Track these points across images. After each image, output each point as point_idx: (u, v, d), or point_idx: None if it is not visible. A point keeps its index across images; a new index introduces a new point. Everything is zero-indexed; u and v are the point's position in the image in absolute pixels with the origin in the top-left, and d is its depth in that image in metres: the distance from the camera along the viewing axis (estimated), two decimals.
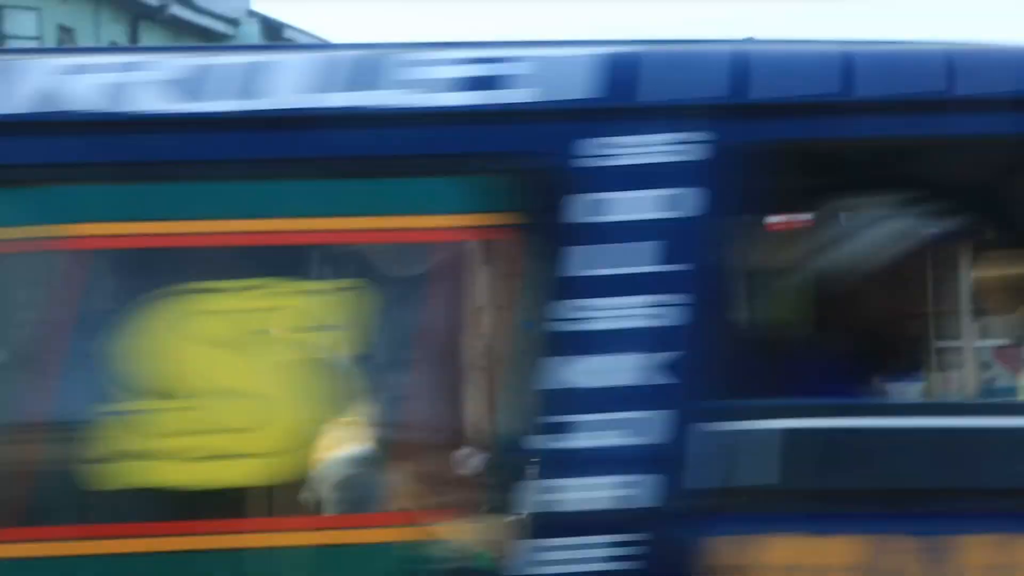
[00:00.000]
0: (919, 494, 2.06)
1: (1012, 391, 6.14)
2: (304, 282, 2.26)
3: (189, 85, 2.15)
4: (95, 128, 2.13)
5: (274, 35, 27.63)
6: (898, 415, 2.22)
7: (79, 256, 2.17)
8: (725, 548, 2.01)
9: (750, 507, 2.05)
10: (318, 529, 2.20)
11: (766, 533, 2.02)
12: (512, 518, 2.05)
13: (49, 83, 2.15)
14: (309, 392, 2.20)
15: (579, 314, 2.10)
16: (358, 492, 2.26)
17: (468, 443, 2.27)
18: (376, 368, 2.32)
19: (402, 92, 2.16)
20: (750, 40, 2.65)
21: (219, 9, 26.82)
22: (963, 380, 4.91)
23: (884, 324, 2.43)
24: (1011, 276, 3.19)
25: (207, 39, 27.17)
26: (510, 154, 2.15)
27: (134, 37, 23.86)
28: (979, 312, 4.11)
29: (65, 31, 22.64)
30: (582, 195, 2.12)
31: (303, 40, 28.82)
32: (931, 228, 2.48)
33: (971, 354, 5.03)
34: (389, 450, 2.32)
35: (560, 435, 2.07)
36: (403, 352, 2.36)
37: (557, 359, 2.09)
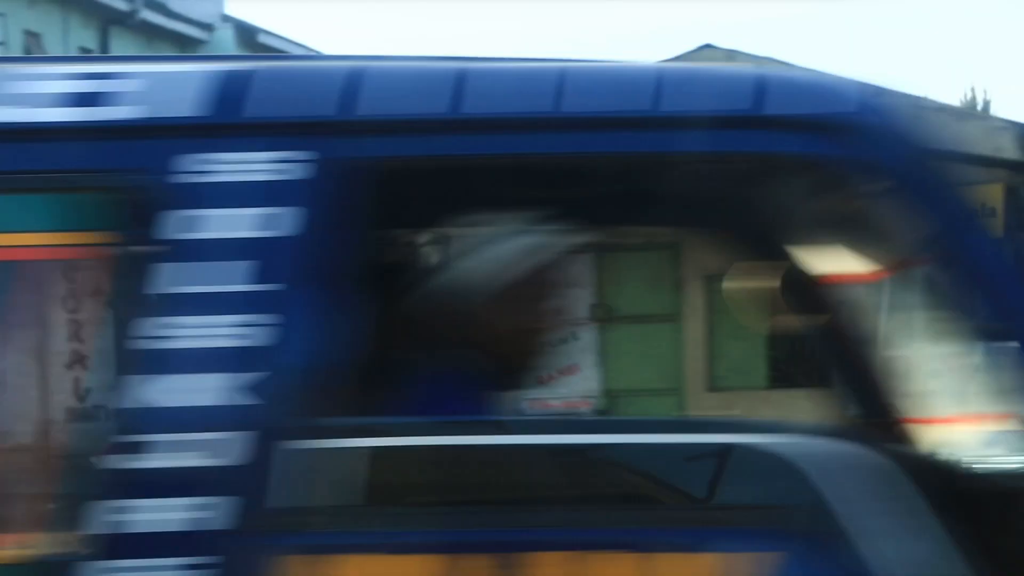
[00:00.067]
0: (495, 511, 2.06)
1: None
2: None
3: None
4: None
5: (249, 40, 27.66)
6: (473, 433, 2.21)
7: None
8: (299, 567, 2.01)
9: (328, 526, 2.05)
10: None
11: (342, 552, 2.02)
12: (81, 537, 2.04)
13: None
14: None
15: (163, 332, 2.08)
16: None
17: (41, 460, 2.25)
18: None
19: (2, 107, 2.15)
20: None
21: (192, 14, 26.82)
22: None
23: (507, 340, 2.42)
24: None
25: (181, 45, 27.22)
26: (109, 171, 2.14)
27: (104, 43, 23.88)
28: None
29: (32, 36, 22.66)
30: (177, 212, 2.11)
31: (279, 45, 28.91)
32: (555, 244, 2.47)
33: None
34: None
35: (136, 454, 2.05)
36: None
37: (138, 377, 2.07)
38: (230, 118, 2.15)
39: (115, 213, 2.15)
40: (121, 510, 2.03)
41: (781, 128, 2.08)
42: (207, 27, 27.25)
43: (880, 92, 2.18)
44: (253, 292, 2.09)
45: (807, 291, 2.66)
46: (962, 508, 2.02)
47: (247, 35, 27.54)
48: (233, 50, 27.49)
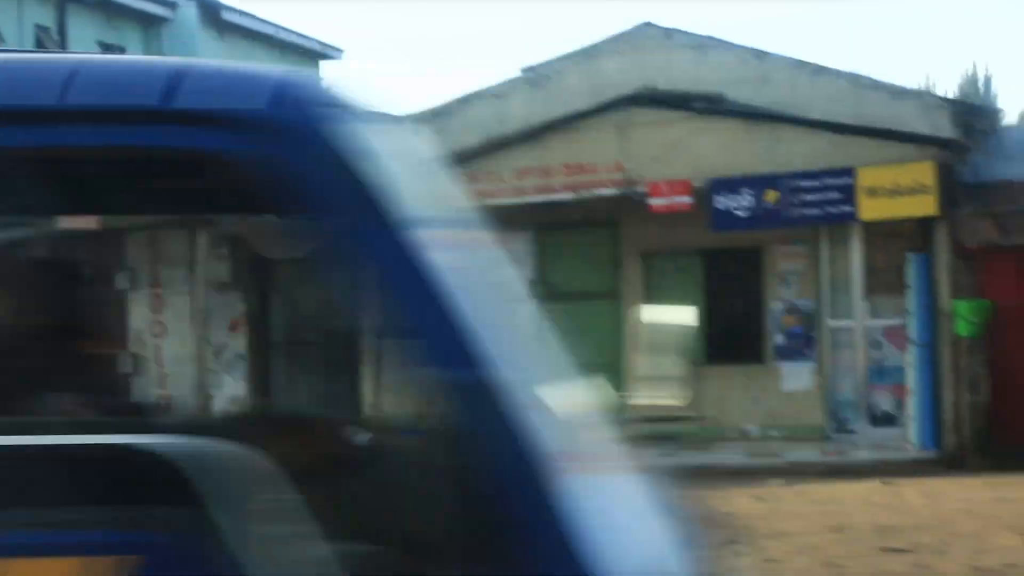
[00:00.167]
0: None
1: None
2: None
3: None
4: None
5: (213, 17, 27.56)
6: None
7: None
8: None
9: None
10: None
11: None
12: None
13: None
14: None
15: None
16: None
17: None
18: None
19: None
20: None
21: None
22: None
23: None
24: None
25: (144, 23, 27.17)
26: None
27: (61, 22, 23.77)
28: None
29: None
30: None
31: (245, 23, 28.82)
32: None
33: None
34: None
35: None
36: None
37: None
38: None
39: None
40: None
41: (187, 122, 2.02)
42: (170, 5, 27.15)
43: (307, 87, 2.11)
44: None
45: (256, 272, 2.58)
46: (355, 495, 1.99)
47: (211, 13, 27.42)
48: (197, 29, 27.46)
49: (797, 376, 16.59)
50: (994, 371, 14.91)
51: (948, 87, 52.85)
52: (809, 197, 15.40)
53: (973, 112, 17.60)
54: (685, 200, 15.69)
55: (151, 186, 2.49)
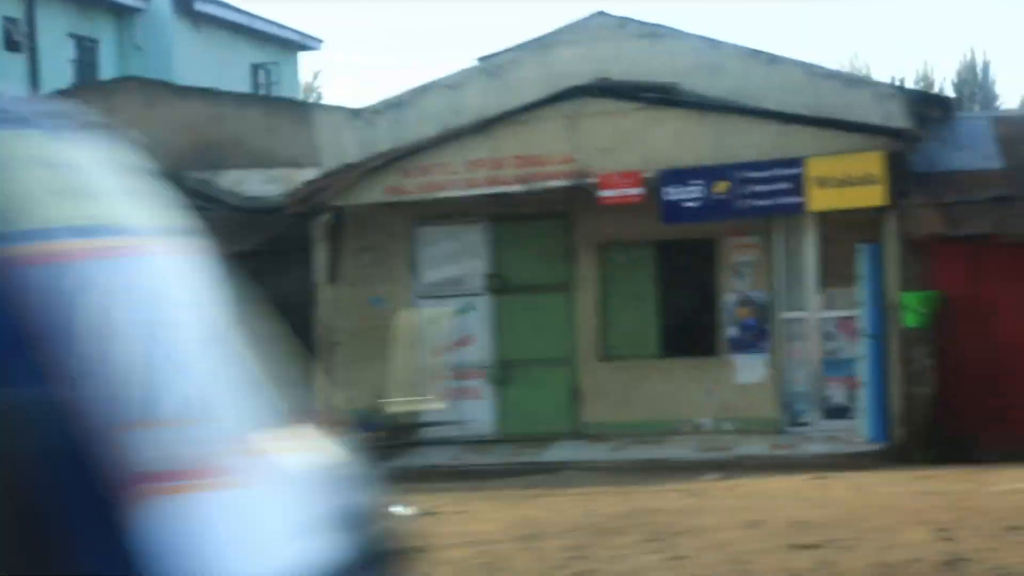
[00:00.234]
0: None
1: None
2: None
3: None
4: None
5: (186, 8, 27.49)
6: None
7: None
8: None
9: None
10: None
11: None
12: None
13: None
14: None
15: None
16: None
17: None
18: None
19: None
20: None
21: None
22: None
23: None
24: None
25: (117, 14, 27.12)
26: None
27: (30, 14, 23.72)
28: None
29: None
30: None
31: (217, 13, 28.74)
32: None
33: None
34: None
35: None
36: None
37: None
38: None
39: None
40: None
41: None
42: None
43: None
44: None
45: None
46: None
47: (184, 3, 27.34)
48: (170, 19, 27.39)
49: (751, 369, 16.51)
50: (943, 362, 14.83)
51: (946, 74, 52.90)
52: (759, 188, 15.31)
53: (927, 101, 17.50)
54: (635, 192, 15.61)
55: None
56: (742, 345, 16.59)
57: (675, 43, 16.73)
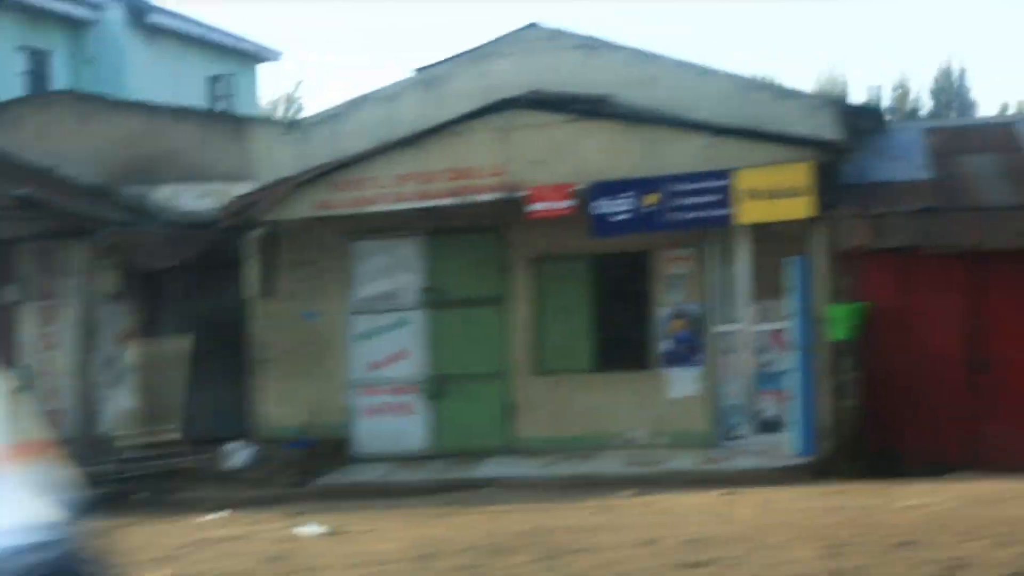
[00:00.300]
0: None
1: None
2: None
3: None
4: None
5: (139, 19, 27.36)
6: None
7: None
8: None
9: None
10: None
11: None
12: None
13: None
14: None
15: None
16: None
17: None
18: None
19: None
20: None
21: None
22: None
23: None
24: None
25: (69, 27, 26.97)
26: None
27: None
28: None
29: None
30: None
31: (172, 25, 28.61)
32: None
33: None
34: None
35: None
36: None
37: None
38: None
39: None
40: None
41: None
42: (96, 7, 26.96)
43: None
44: None
45: None
46: None
47: (137, 15, 27.22)
48: (123, 31, 27.26)
49: (684, 382, 16.45)
50: (871, 375, 14.79)
51: (924, 82, 53.01)
52: (689, 200, 15.26)
53: (859, 112, 17.48)
54: (565, 205, 15.55)
55: None
56: (676, 358, 16.53)
57: (609, 55, 16.69)
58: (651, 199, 15.34)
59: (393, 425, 17.17)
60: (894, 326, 14.81)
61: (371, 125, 16.74)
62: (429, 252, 17.23)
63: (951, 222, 14.73)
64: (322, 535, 10.75)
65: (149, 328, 17.81)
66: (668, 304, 16.56)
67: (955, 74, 49.06)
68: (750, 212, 15.07)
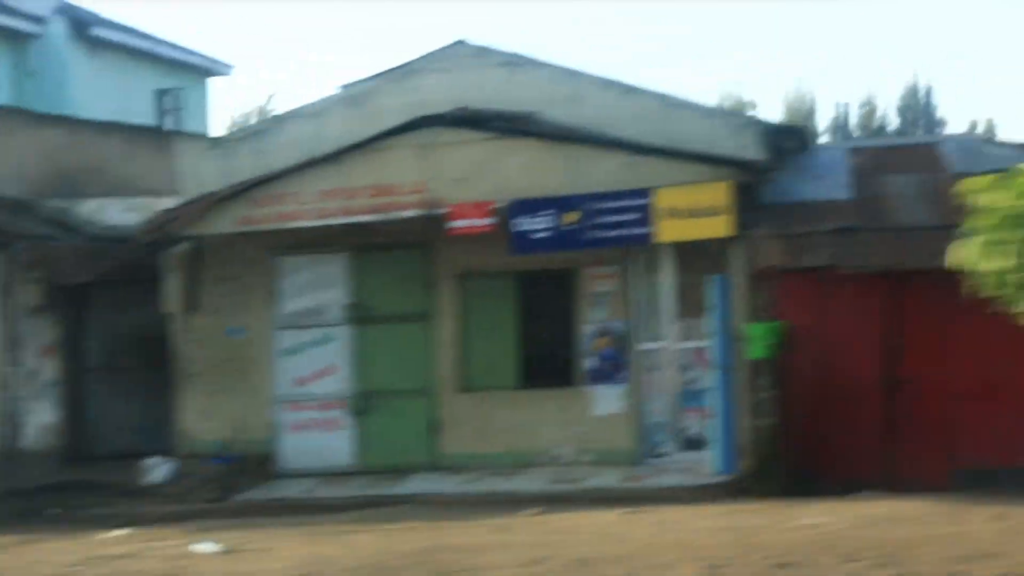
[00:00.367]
0: None
1: None
2: None
3: None
4: None
5: (82, 33, 27.24)
6: None
7: None
8: None
9: None
10: None
11: None
12: None
13: None
14: None
15: None
16: None
17: None
18: None
19: None
20: None
21: (22, 6, 26.36)
22: None
23: None
24: None
25: (11, 40, 26.81)
26: None
27: None
28: None
29: None
30: None
31: (116, 38, 28.48)
32: None
33: None
34: None
35: None
36: None
37: None
38: None
39: None
40: None
41: None
42: (39, 20, 26.82)
43: None
44: None
45: None
46: None
47: (80, 28, 27.09)
48: (65, 44, 27.14)
49: (608, 400, 16.45)
50: (789, 393, 14.82)
51: (890, 99, 53.35)
52: (609, 219, 15.28)
53: (784, 132, 17.54)
54: (486, 222, 15.55)
55: None
56: (600, 376, 16.54)
57: (534, 72, 16.71)
58: (571, 217, 15.36)
59: (319, 441, 17.11)
60: (812, 345, 14.85)
61: (297, 141, 16.72)
62: (355, 268, 17.20)
63: (868, 242, 14.79)
64: (216, 553, 10.69)
65: (72, 342, 17.71)
66: (592, 322, 16.57)
67: (921, 92, 49.43)
68: (669, 231, 15.10)
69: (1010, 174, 7.16)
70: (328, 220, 16.01)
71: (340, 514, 13.85)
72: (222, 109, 60.74)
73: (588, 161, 15.55)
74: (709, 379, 15.60)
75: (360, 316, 17.13)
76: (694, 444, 16.05)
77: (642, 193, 15.14)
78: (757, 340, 14.78)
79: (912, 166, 16.60)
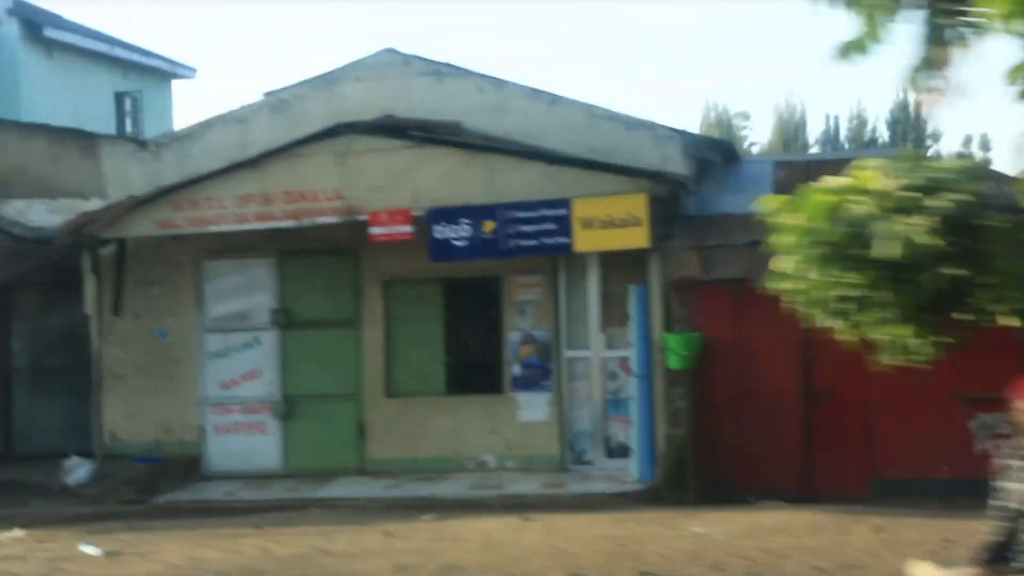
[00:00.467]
0: None
1: None
2: None
3: None
4: None
5: (36, 34, 27.24)
6: None
7: None
8: None
9: None
10: None
11: None
12: None
13: None
14: None
15: None
16: None
17: None
18: None
19: None
20: None
21: None
22: None
23: None
24: None
25: None
26: None
27: None
28: None
29: None
30: None
31: (69, 40, 28.46)
32: None
33: None
34: None
35: None
36: None
37: None
38: None
39: None
40: None
41: None
42: None
43: None
44: None
45: None
46: None
47: (33, 29, 27.07)
48: (18, 46, 27.13)
49: (534, 407, 16.48)
50: (706, 403, 14.86)
51: (880, 112, 53.20)
52: (526, 228, 15.31)
53: (709, 145, 17.58)
54: (405, 229, 15.58)
55: None
56: (526, 383, 16.57)
57: (460, 81, 16.74)
58: (489, 226, 15.39)
59: (245, 444, 17.14)
60: (730, 356, 14.88)
61: (222, 146, 16.74)
62: (282, 273, 17.23)
63: None
64: (98, 556, 10.71)
65: None
66: (518, 329, 16.60)
67: (912, 106, 49.55)
68: (586, 241, 15.14)
69: (802, 194, 7.21)
70: (247, 225, 16.03)
71: (249, 517, 13.86)
72: (187, 112, 60.83)
73: (508, 171, 15.58)
74: (632, 388, 15.64)
75: (287, 320, 17.16)
76: (620, 452, 16.09)
77: (560, 203, 15.18)
78: (673, 351, 14.82)
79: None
